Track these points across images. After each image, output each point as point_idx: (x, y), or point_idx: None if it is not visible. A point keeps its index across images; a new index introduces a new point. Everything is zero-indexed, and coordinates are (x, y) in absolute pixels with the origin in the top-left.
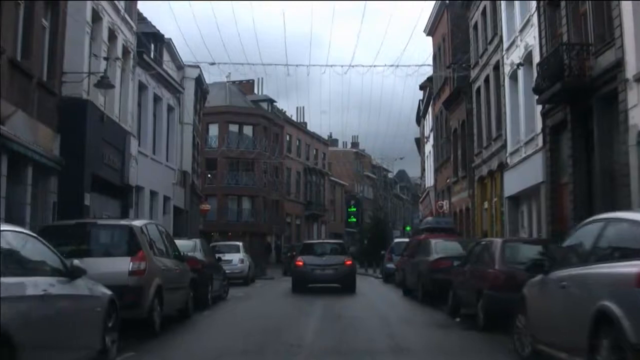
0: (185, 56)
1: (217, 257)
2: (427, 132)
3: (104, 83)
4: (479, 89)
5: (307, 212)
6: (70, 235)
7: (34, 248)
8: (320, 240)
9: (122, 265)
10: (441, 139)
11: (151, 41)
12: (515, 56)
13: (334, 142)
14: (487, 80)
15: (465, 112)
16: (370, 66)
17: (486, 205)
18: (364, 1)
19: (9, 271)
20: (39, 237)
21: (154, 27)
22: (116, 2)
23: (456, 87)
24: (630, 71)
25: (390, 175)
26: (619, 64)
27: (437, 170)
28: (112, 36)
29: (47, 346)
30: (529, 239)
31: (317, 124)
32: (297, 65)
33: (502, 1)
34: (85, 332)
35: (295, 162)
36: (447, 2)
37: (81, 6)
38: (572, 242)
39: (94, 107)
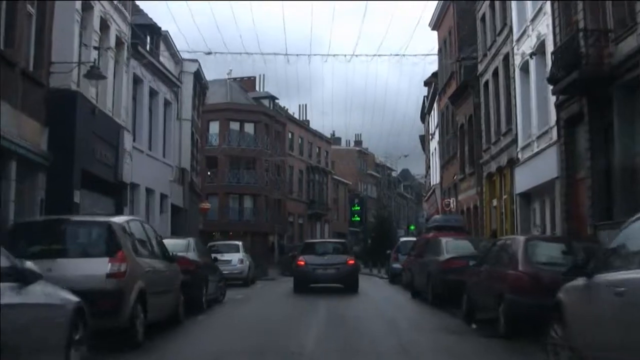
0: (181, 48)
1: (213, 257)
2: (432, 128)
3: (94, 73)
4: (487, 83)
5: (309, 211)
6: (42, 234)
7: None
8: (322, 240)
9: (99, 267)
10: (448, 135)
11: (147, 33)
12: (527, 46)
13: (337, 140)
14: (495, 73)
15: (472, 106)
16: (374, 55)
17: (495, 202)
18: (365, 1)
19: None
20: None
21: (150, 19)
22: None
23: (463, 80)
24: None
25: (394, 174)
26: None
27: (443, 168)
28: (105, 26)
29: None
30: (553, 236)
31: (320, 122)
32: (297, 55)
33: None
34: (42, 349)
35: (297, 161)
36: None
37: None
38: (621, 242)
39: (84, 99)
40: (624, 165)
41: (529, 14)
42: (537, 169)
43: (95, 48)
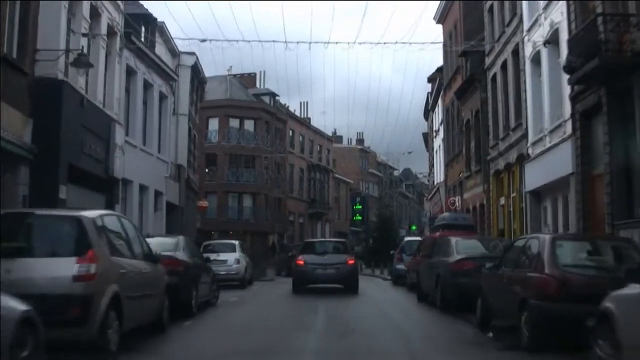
0: (175, 35)
1: (205, 257)
2: (436, 125)
3: (82, 61)
4: (494, 76)
5: (310, 210)
6: (3, 230)
7: None
8: (322, 239)
9: (65, 268)
10: (454, 131)
11: (142, 24)
12: (539, 36)
13: (338, 139)
14: (504, 65)
15: (479, 101)
16: (378, 43)
17: (502, 201)
18: (366, 1)
19: None
20: None
21: (145, 9)
22: None
23: (469, 74)
24: None
25: (396, 173)
26: None
27: (447, 165)
28: (95, 13)
29: None
30: (581, 235)
31: (321, 121)
32: (297, 42)
33: None
34: None
35: (298, 159)
36: None
37: None
38: None
39: (72, 90)
40: None
41: (541, 2)
42: (550, 165)
43: (83, 35)
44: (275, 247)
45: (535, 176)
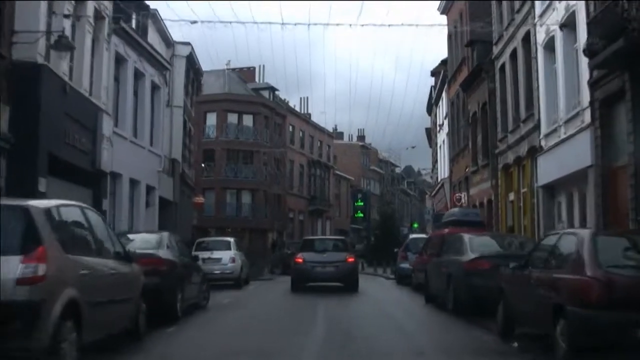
0: (166, 16)
1: (194, 255)
2: (440, 119)
3: (63, 44)
4: (503, 66)
5: (311, 207)
6: None
7: None
8: (321, 236)
9: (7, 268)
10: (461, 122)
11: (133, 10)
12: (553, 20)
13: (339, 135)
14: (513, 54)
15: (486, 92)
16: (382, 25)
17: (512, 196)
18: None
19: None
20: None
21: None
22: None
23: (477, 64)
24: None
25: (397, 170)
26: None
27: (452, 160)
28: None
29: None
30: (624, 231)
31: (322, 118)
32: (295, 24)
33: None
34: None
35: (298, 155)
36: None
37: None
38: None
39: (53, 75)
40: None
41: None
42: (565, 157)
43: (65, 16)
44: (276, 245)
45: (548, 170)
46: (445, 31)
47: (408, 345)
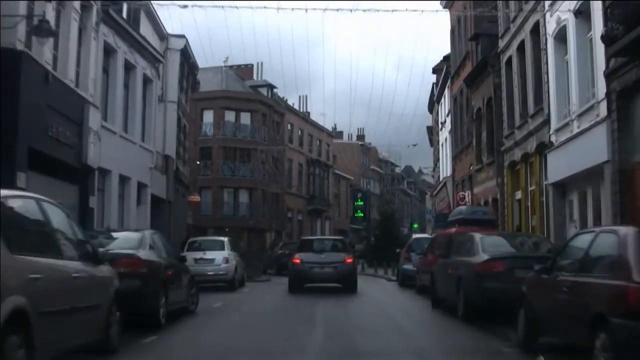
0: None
1: (180, 256)
2: (442, 117)
3: (43, 29)
4: (509, 60)
5: (309, 206)
6: None
7: None
8: (319, 237)
9: None
10: (466, 118)
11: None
12: (565, 9)
13: (339, 134)
14: (521, 47)
15: (492, 87)
16: (386, 11)
17: (519, 195)
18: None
19: None
20: None
21: None
22: None
23: (482, 59)
24: None
25: (397, 170)
26: None
27: (455, 158)
28: None
29: None
30: None
31: (321, 118)
32: (292, 9)
33: None
34: None
35: (297, 153)
36: None
37: None
38: None
39: (34, 63)
40: None
41: None
42: (578, 153)
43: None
44: (275, 244)
45: (559, 166)
46: (447, 29)
47: (415, 356)
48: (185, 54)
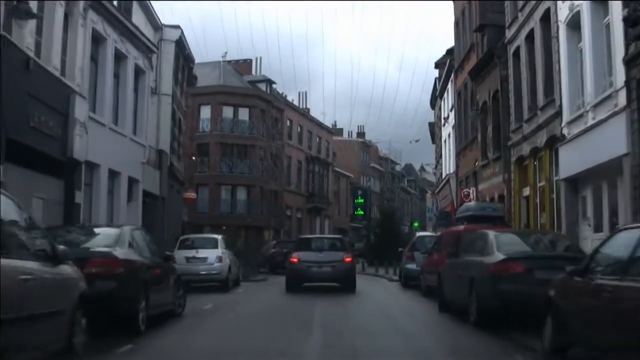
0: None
1: (166, 254)
2: (445, 112)
3: (22, 10)
4: (517, 50)
5: (309, 204)
6: None
7: None
8: (317, 235)
9: None
10: (471, 111)
11: None
12: None
13: (339, 131)
14: (530, 36)
15: (498, 80)
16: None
17: (527, 191)
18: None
19: None
20: None
21: None
22: None
23: (488, 50)
24: None
25: (397, 168)
26: None
27: (459, 154)
28: None
29: None
30: None
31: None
32: None
33: None
34: None
35: (296, 150)
36: None
37: None
38: None
39: (13, 48)
40: None
41: None
42: (593, 145)
43: None
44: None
45: (571, 161)
46: (450, 23)
47: None
48: (181, 46)
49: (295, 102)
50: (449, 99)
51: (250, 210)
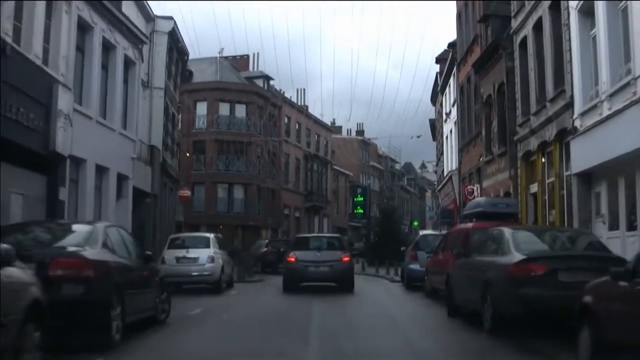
0: None
1: (146, 254)
2: (447, 107)
3: None
4: (524, 41)
5: (307, 203)
6: None
7: None
8: (315, 234)
9: None
10: (476, 105)
11: None
12: None
13: (338, 129)
14: (537, 25)
15: (504, 72)
16: None
17: (535, 188)
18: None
19: None
20: None
21: None
22: None
23: (492, 41)
24: None
25: (397, 167)
26: None
27: (462, 150)
28: None
29: None
30: None
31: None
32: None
33: None
34: None
35: (294, 148)
36: None
37: None
38: None
39: None
40: None
41: None
42: (609, 138)
43: None
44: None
45: (585, 154)
46: (451, 17)
47: None
48: (174, 37)
49: (293, 99)
50: (450, 94)
51: (248, 209)
